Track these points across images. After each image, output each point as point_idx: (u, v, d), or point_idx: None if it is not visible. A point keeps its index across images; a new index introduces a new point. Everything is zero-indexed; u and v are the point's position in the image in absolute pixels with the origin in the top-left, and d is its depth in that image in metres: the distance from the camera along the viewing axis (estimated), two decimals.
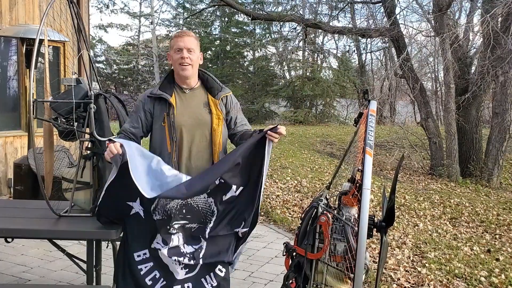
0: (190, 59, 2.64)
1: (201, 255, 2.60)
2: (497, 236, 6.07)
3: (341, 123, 22.99)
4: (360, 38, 16.87)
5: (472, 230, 6.35)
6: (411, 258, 4.91)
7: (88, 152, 3.09)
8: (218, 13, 26.22)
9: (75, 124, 2.97)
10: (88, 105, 2.96)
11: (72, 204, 3.12)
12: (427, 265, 4.70)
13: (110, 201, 2.58)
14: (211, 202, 2.59)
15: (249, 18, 14.75)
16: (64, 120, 3.02)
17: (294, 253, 2.64)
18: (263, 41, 25.66)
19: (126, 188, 2.46)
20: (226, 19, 26.29)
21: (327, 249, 2.50)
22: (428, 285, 4.23)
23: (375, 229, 2.47)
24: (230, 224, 2.65)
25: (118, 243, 3.69)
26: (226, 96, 2.79)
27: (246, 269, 4.40)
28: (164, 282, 2.58)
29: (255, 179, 2.68)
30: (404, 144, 13.29)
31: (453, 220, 6.75)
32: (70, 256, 3.21)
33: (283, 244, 2.72)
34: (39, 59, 6.24)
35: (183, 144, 2.65)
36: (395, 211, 2.50)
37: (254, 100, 24.04)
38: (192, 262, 2.58)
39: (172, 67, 2.76)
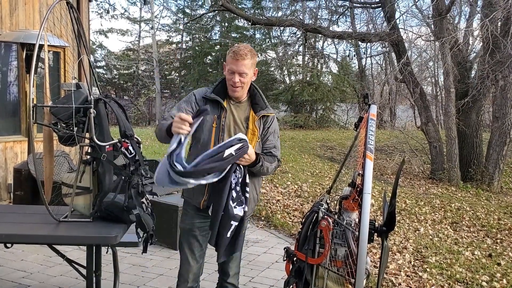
0: (241, 82, 2.68)
1: None
2: (498, 240, 6.06)
3: (341, 127, 23.01)
4: (360, 42, 16.92)
5: (473, 234, 6.34)
6: (412, 263, 4.89)
7: (88, 157, 3.09)
8: (218, 18, 26.29)
9: (75, 129, 2.96)
10: (88, 110, 2.96)
11: (72, 209, 3.11)
12: (428, 269, 4.69)
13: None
14: None
15: (249, 23, 14.80)
16: (64, 125, 3.01)
17: (295, 258, 2.63)
18: (263, 46, 25.71)
19: None
20: (226, 24, 26.36)
21: (328, 254, 2.49)
22: None
23: (376, 233, 2.46)
24: None
25: (117, 248, 3.69)
26: (268, 115, 2.80)
27: (247, 274, 4.39)
28: None
29: None
30: (405, 148, 13.29)
31: (454, 225, 6.74)
32: (70, 262, 3.20)
33: (284, 249, 2.72)
34: (39, 64, 6.25)
35: None
36: (396, 215, 2.49)
37: None
38: None
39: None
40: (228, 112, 2.72)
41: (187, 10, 27.56)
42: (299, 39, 20.75)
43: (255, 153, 2.64)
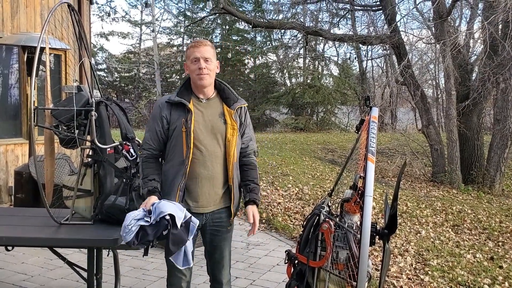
0: (208, 68, 2.63)
1: None
2: (500, 243, 6.04)
3: (342, 130, 23.00)
4: (360, 45, 16.92)
5: (475, 237, 6.32)
6: (413, 266, 4.88)
7: (89, 159, 3.09)
8: (219, 21, 26.33)
9: (76, 131, 2.97)
10: (89, 113, 2.96)
11: (73, 212, 3.11)
12: (429, 272, 4.67)
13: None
14: None
15: (250, 26, 14.79)
16: (65, 128, 3.02)
17: (296, 261, 2.62)
18: (264, 48, 25.75)
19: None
20: (227, 27, 26.41)
21: (329, 257, 2.48)
22: None
23: (377, 236, 2.46)
24: None
25: (118, 251, 3.69)
26: (241, 107, 2.78)
27: (248, 277, 4.38)
28: None
29: None
30: (406, 151, 13.27)
31: (456, 227, 6.72)
32: (71, 264, 3.20)
33: (285, 252, 2.71)
34: (41, 67, 6.25)
35: (198, 152, 2.61)
36: (397, 218, 2.48)
37: (255, 107, 24.08)
38: None
39: (189, 76, 2.73)
40: (195, 114, 2.63)
41: (188, 13, 27.61)
42: (300, 42, 20.77)
43: (251, 201, 2.71)
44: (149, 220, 2.43)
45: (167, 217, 2.42)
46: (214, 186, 2.64)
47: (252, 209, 2.70)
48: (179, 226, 2.44)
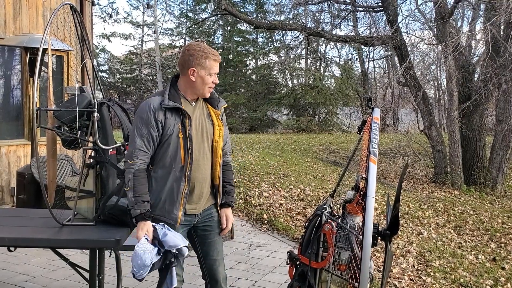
0: None
1: None
2: (502, 244, 6.03)
3: (344, 131, 23.01)
4: (362, 46, 16.94)
5: (477, 238, 6.31)
6: (415, 267, 4.88)
7: (91, 160, 3.09)
8: (220, 22, 26.39)
9: (78, 132, 2.97)
10: (92, 114, 2.97)
11: (75, 212, 3.11)
12: (432, 273, 4.67)
13: None
14: None
15: (252, 27, 14.81)
16: (67, 129, 3.03)
17: (298, 262, 2.62)
18: (266, 49, 25.77)
19: None
20: (229, 28, 26.45)
21: (331, 258, 2.48)
22: None
23: (379, 237, 2.45)
24: None
25: (121, 252, 3.69)
26: (223, 107, 2.79)
27: (250, 278, 4.38)
28: None
29: None
30: (408, 152, 13.26)
31: (458, 229, 6.72)
32: (73, 265, 3.20)
33: (287, 253, 2.71)
34: (43, 68, 6.27)
35: (193, 156, 2.59)
36: (399, 219, 2.48)
37: (256, 108, 24.12)
38: None
39: (175, 77, 2.71)
40: (191, 119, 2.58)
41: (190, 14, 27.68)
42: (302, 43, 20.79)
43: (227, 204, 2.74)
44: (161, 254, 2.49)
45: (174, 251, 2.49)
46: (204, 187, 2.65)
47: (225, 212, 2.74)
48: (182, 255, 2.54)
